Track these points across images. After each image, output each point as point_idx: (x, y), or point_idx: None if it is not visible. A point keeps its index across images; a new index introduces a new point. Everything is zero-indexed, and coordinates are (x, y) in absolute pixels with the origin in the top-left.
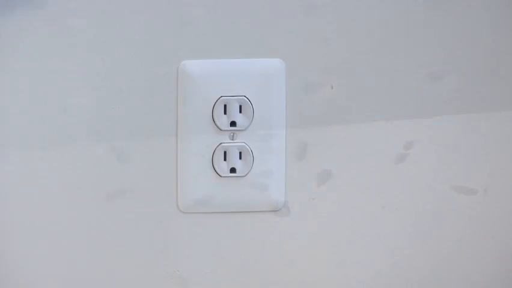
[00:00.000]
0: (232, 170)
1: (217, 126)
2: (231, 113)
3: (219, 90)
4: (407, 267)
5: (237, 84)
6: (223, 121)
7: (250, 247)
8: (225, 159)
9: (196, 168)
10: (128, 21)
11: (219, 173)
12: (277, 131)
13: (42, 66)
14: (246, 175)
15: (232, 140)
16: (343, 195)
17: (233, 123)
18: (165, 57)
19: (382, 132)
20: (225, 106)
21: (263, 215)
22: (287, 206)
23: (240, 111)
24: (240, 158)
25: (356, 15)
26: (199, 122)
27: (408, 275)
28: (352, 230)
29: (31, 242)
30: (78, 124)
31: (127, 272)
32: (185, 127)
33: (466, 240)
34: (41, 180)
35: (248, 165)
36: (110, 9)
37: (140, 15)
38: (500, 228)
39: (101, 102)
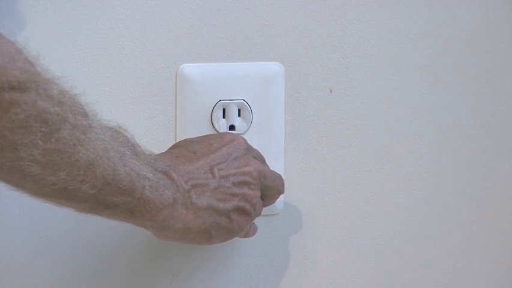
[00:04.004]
0: None
1: (216, 130)
2: (230, 117)
3: (218, 94)
4: None
5: (235, 87)
6: (222, 125)
7: (252, 250)
8: None
9: None
10: (126, 25)
11: None
12: (276, 135)
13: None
14: None
15: None
16: (341, 202)
17: (232, 127)
18: (164, 61)
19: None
20: (224, 110)
21: (262, 218)
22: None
23: (239, 115)
24: None
25: (355, 18)
26: (198, 125)
27: None
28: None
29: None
30: None
31: (131, 275)
32: (184, 131)
33: None
34: None
35: None
36: (108, 13)
37: (139, 18)
38: None
39: (100, 106)
